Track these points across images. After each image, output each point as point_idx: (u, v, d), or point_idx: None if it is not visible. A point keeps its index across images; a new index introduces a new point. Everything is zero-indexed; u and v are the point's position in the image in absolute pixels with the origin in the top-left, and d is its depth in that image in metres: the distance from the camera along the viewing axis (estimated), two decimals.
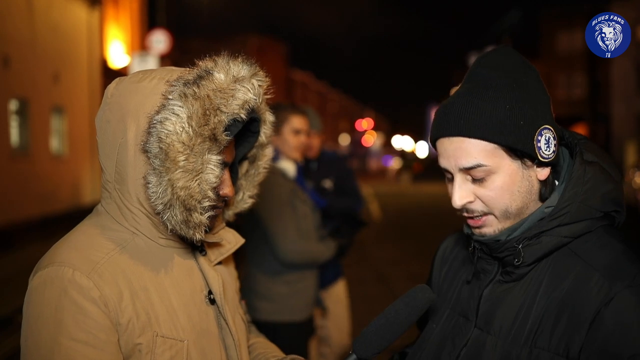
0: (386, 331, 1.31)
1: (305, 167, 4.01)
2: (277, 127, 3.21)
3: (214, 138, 1.21)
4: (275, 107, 3.25)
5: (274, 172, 3.20)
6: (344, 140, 67.11)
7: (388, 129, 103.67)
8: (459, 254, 1.54)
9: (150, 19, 20.26)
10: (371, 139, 71.17)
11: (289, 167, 3.34)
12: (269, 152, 1.52)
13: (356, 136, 71.32)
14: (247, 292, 3.24)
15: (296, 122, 3.35)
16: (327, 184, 4.32)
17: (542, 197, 1.30)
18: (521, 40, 45.17)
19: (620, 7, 26.79)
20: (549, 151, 1.25)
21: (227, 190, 1.33)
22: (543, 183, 1.29)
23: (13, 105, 12.54)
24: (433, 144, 1.33)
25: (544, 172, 1.28)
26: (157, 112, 1.20)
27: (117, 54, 17.70)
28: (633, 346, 1.11)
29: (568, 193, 1.26)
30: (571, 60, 36.74)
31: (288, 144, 3.33)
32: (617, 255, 1.21)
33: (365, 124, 71.16)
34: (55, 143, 14.56)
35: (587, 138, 1.37)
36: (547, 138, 1.24)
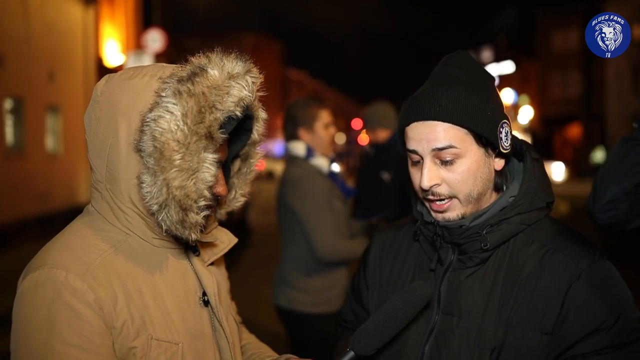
0: (384, 328, 1.30)
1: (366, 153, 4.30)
2: (308, 124, 3.37)
3: (209, 136, 1.19)
4: (304, 104, 3.40)
5: (311, 170, 3.34)
6: (340, 139, 67.14)
7: None
8: (402, 247, 1.58)
9: (145, 18, 20.19)
10: (367, 138, 71.02)
11: (323, 163, 3.41)
12: (261, 149, 1.49)
13: (352, 135, 71.34)
14: (280, 282, 3.43)
15: (326, 116, 3.44)
16: (385, 175, 4.42)
17: (497, 187, 1.42)
18: (516, 38, 45.15)
19: (616, 5, 26.81)
20: (507, 143, 1.38)
21: (220, 189, 1.30)
22: (498, 173, 1.41)
23: (8, 104, 12.45)
24: (402, 131, 1.42)
25: (500, 163, 1.40)
26: (150, 110, 1.17)
27: (113, 52, 17.61)
28: (604, 314, 1.24)
29: (525, 185, 1.39)
30: (566, 59, 36.80)
31: (322, 140, 3.41)
32: (573, 239, 1.36)
33: (361, 123, 71.04)
34: (50, 142, 14.46)
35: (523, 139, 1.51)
36: (506, 131, 1.38)
